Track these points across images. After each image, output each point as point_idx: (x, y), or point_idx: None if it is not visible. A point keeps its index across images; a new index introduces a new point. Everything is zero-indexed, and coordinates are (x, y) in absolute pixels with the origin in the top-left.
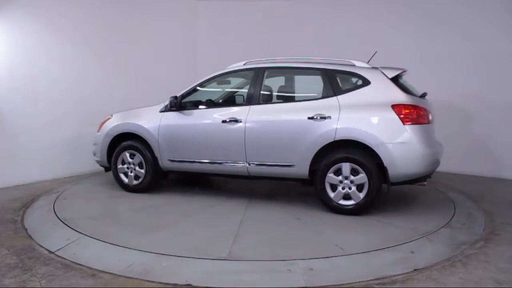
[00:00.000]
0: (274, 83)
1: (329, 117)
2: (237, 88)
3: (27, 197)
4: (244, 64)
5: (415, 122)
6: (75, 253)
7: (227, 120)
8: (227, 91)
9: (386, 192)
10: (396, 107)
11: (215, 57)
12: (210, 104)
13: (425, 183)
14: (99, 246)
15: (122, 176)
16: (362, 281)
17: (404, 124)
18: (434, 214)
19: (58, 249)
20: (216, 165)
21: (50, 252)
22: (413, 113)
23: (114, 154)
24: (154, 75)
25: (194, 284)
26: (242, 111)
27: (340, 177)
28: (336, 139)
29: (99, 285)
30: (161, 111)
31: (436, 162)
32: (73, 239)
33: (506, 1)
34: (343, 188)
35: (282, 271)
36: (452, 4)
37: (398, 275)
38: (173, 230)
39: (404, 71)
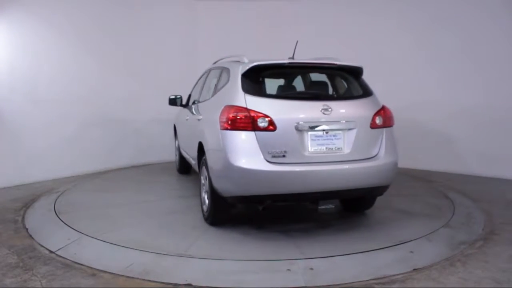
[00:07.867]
0: (211, 83)
1: (201, 118)
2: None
3: (28, 197)
4: (213, 64)
5: (231, 127)
6: (76, 253)
7: (186, 117)
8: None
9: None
10: (225, 109)
11: (215, 57)
12: (192, 102)
13: (260, 208)
14: (99, 245)
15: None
16: (362, 281)
17: (220, 129)
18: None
19: (59, 249)
20: (186, 156)
21: (51, 251)
22: (229, 117)
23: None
24: (154, 75)
25: (194, 284)
26: (191, 109)
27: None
28: (199, 141)
29: (100, 285)
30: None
31: (300, 183)
32: (74, 238)
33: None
34: (205, 193)
35: (282, 271)
36: (452, 4)
37: (398, 275)
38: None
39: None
